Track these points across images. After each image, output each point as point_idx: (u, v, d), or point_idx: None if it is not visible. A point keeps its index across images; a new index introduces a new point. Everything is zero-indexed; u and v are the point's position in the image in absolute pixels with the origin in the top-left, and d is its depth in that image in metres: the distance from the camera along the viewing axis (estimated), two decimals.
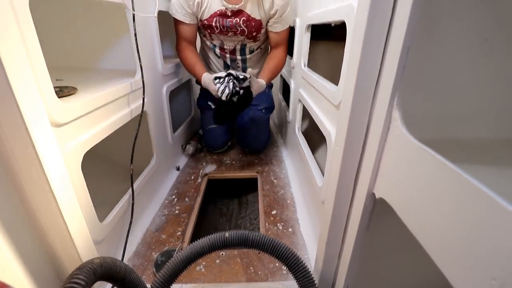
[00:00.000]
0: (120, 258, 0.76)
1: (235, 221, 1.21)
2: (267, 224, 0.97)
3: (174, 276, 0.54)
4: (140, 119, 0.83)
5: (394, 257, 0.58)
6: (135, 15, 0.78)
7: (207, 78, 1.11)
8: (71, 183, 0.55)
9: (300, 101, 1.16)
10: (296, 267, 0.56)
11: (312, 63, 1.13)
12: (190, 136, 1.58)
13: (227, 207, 1.30)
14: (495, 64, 0.45)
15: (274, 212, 1.04)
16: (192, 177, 1.27)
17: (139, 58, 0.83)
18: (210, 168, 1.35)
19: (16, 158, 0.46)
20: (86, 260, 0.56)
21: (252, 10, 1.13)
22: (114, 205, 0.79)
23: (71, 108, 0.59)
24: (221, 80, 1.03)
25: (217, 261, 0.82)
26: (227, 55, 1.29)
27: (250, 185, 1.33)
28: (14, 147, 0.45)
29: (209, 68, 1.37)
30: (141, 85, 0.85)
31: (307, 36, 1.06)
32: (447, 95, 0.43)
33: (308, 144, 1.09)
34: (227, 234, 0.56)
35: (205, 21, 1.15)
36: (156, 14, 0.94)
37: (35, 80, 0.47)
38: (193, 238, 0.92)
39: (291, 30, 1.27)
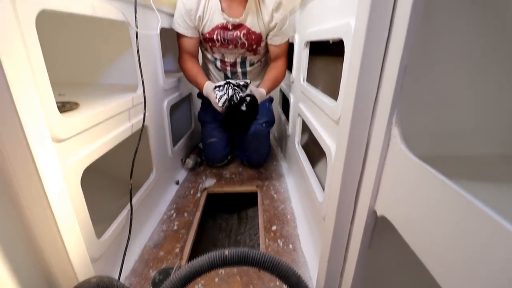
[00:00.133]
0: (117, 276, 0.74)
1: (234, 236, 1.19)
2: (267, 241, 0.96)
3: None
4: (140, 134, 0.84)
5: (397, 275, 0.57)
6: (138, 32, 0.80)
7: (209, 87, 1.14)
8: (70, 199, 0.54)
9: (299, 115, 1.17)
10: (297, 286, 0.54)
11: (311, 78, 1.15)
12: (190, 150, 1.58)
13: (227, 222, 1.28)
14: (492, 81, 0.46)
15: (274, 227, 1.02)
16: (192, 192, 1.26)
17: (141, 74, 0.84)
18: (209, 182, 1.34)
19: (16, 173, 0.46)
20: (82, 278, 0.55)
21: (252, 24, 1.17)
22: (112, 220, 0.78)
23: (73, 123, 0.59)
24: (220, 88, 1.06)
25: (216, 279, 0.80)
26: (228, 68, 1.32)
27: (250, 200, 1.31)
28: (14, 162, 0.45)
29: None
30: (142, 99, 0.86)
31: (306, 52, 1.09)
32: (446, 112, 0.43)
33: (308, 158, 1.09)
34: (226, 252, 0.55)
35: (207, 34, 1.18)
36: (158, 31, 0.96)
37: (38, 96, 0.47)
38: (192, 255, 0.90)
39: (290, 46, 1.30)
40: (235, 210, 1.36)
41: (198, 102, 1.63)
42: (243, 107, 1.04)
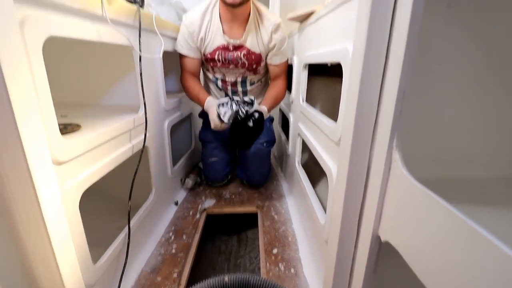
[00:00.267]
0: None
1: (234, 260, 1.16)
2: (268, 265, 0.93)
3: None
4: (141, 155, 0.84)
5: None
6: (142, 56, 0.82)
7: (210, 101, 1.16)
8: (67, 223, 0.53)
9: (299, 135, 1.18)
10: None
11: (310, 98, 1.17)
12: (190, 169, 1.57)
13: (226, 245, 1.25)
14: (492, 104, 0.47)
15: (275, 251, 0.99)
16: (191, 213, 1.24)
17: (143, 96, 0.85)
18: (209, 203, 1.32)
19: (15, 197, 0.45)
20: None
21: (252, 45, 1.21)
22: (109, 243, 0.76)
23: (74, 145, 0.59)
24: (224, 104, 1.07)
25: None
26: (229, 87, 1.35)
27: (250, 221, 1.29)
28: (14, 186, 0.45)
29: None
30: (144, 121, 0.87)
31: (305, 73, 1.11)
32: (446, 135, 0.43)
33: (309, 177, 1.08)
34: (226, 278, 0.53)
35: (208, 55, 1.23)
36: (161, 55, 0.99)
37: (41, 119, 0.48)
38: (190, 281, 0.87)
39: (289, 67, 1.33)
40: (235, 232, 1.33)
41: (198, 122, 1.64)
42: (250, 123, 1.04)
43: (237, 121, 1.05)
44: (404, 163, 0.36)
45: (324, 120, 0.80)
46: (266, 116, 1.20)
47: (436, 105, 0.42)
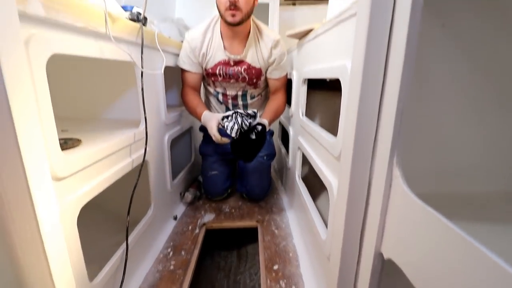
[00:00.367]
0: None
1: (234, 276, 1.13)
2: (268, 281, 0.91)
3: None
4: (140, 169, 0.83)
5: None
6: (143, 72, 0.84)
7: (207, 115, 1.16)
8: (64, 239, 0.52)
9: (299, 148, 1.18)
10: None
11: (309, 111, 1.18)
12: (189, 183, 1.56)
13: (225, 261, 1.22)
14: (488, 120, 0.47)
15: (276, 267, 0.97)
16: (190, 227, 1.22)
17: (144, 111, 0.86)
18: (208, 217, 1.31)
19: (12, 214, 0.45)
20: None
21: (252, 60, 1.25)
22: (107, 259, 0.74)
23: (74, 161, 0.59)
24: (229, 118, 1.07)
25: None
26: (229, 101, 1.37)
27: (250, 235, 1.27)
28: (12, 203, 0.44)
29: None
30: (144, 135, 0.87)
31: (304, 88, 1.13)
32: (445, 151, 0.44)
33: (309, 190, 1.07)
34: None
35: (210, 70, 1.26)
36: (162, 71, 1.01)
37: (43, 135, 0.48)
38: None
39: (289, 81, 1.35)
40: (235, 247, 1.30)
41: (198, 135, 1.65)
42: (253, 136, 1.05)
43: (240, 134, 1.05)
44: (405, 179, 0.36)
45: (324, 135, 0.80)
46: (267, 129, 1.21)
47: (434, 121, 0.43)
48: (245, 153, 1.10)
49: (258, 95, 1.39)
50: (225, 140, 1.10)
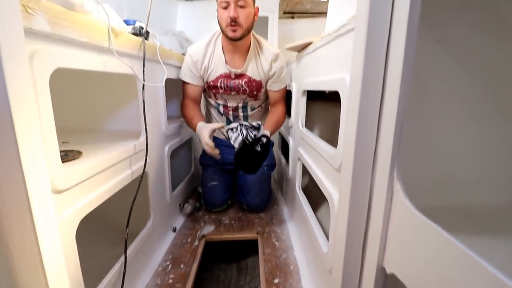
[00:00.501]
0: None
1: None
2: None
3: None
4: (140, 181, 0.83)
5: None
6: (145, 84, 0.85)
7: (202, 125, 1.17)
8: (63, 254, 0.52)
9: (299, 159, 1.18)
10: None
11: (309, 122, 1.19)
12: (189, 194, 1.55)
13: (225, 274, 1.20)
14: (486, 132, 0.47)
15: (276, 280, 0.95)
16: (189, 240, 1.20)
17: (145, 122, 0.86)
18: (208, 229, 1.29)
19: (12, 228, 0.44)
20: None
21: (252, 73, 1.28)
22: (104, 271, 0.73)
23: (74, 173, 0.59)
24: (234, 130, 1.09)
25: None
26: (230, 112, 1.39)
27: (250, 247, 1.25)
28: (12, 217, 0.44)
29: None
30: (144, 146, 0.87)
31: (304, 99, 1.14)
32: (445, 163, 0.44)
33: (310, 200, 1.07)
34: None
35: (211, 82, 1.29)
36: (163, 83, 1.02)
37: (44, 149, 0.48)
38: None
39: (288, 93, 1.37)
40: (235, 259, 1.28)
41: (198, 146, 1.65)
42: (258, 148, 1.05)
43: (245, 146, 1.05)
44: (405, 193, 0.36)
45: (323, 146, 0.80)
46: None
47: (434, 134, 0.43)
48: (250, 165, 1.10)
49: (259, 106, 1.42)
50: (216, 151, 1.10)
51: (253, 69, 1.28)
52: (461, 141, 0.45)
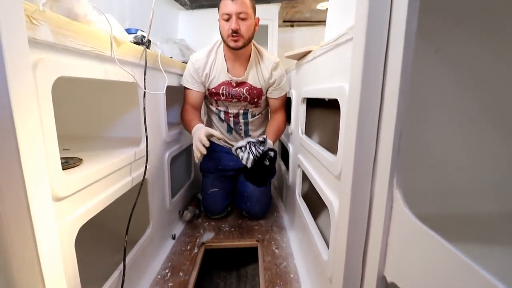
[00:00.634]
0: None
1: None
2: None
3: None
4: (140, 188, 0.83)
5: None
6: (146, 92, 0.85)
7: (199, 126, 1.18)
8: (62, 261, 0.51)
9: (299, 166, 1.18)
10: None
11: (309, 128, 1.19)
12: (189, 201, 1.55)
13: (225, 282, 1.19)
14: (485, 141, 0.48)
15: None
16: (188, 247, 1.19)
17: (146, 129, 0.87)
18: (207, 236, 1.28)
19: (12, 236, 0.44)
20: None
21: (253, 81, 1.31)
22: (103, 279, 0.72)
23: (74, 181, 0.59)
24: (243, 148, 1.11)
25: None
26: (231, 119, 1.41)
27: (250, 255, 1.24)
28: (12, 224, 0.44)
29: None
30: (145, 153, 0.88)
31: (303, 107, 1.15)
32: (445, 171, 0.44)
33: (310, 207, 1.06)
34: None
35: (213, 89, 1.31)
36: (164, 91, 1.03)
37: (45, 156, 0.48)
38: None
39: (288, 100, 1.39)
40: (234, 267, 1.27)
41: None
42: (267, 162, 1.09)
43: (254, 161, 1.08)
44: (405, 202, 0.36)
45: (323, 153, 0.81)
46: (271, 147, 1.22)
47: (433, 143, 0.44)
48: (260, 179, 1.14)
49: (259, 113, 1.44)
50: (203, 150, 1.09)
51: (254, 77, 1.31)
52: (460, 150, 0.46)
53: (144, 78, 0.85)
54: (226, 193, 1.45)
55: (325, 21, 1.05)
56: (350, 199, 0.44)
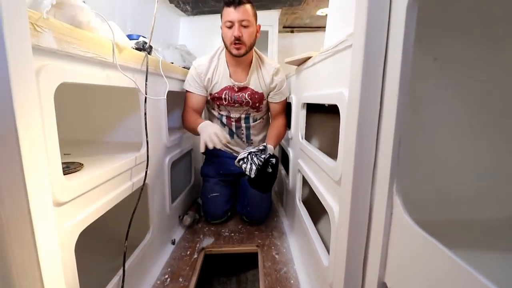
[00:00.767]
0: None
1: None
2: None
3: None
4: (140, 193, 0.83)
5: None
6: (147, 98, 0.86)
7: (209, 122, 1.21)
8: (62, 267, 0.51)
9: (299, 171, 1.18)
10: None
11: (309, 133, 1.20)
12: (189, 205, 1.55)
13: (225, 287, 1.18)
14: (484, 147, 0.48)
15: None
16: (188, 252, 1.19)
17: (146, 134, 0.87)
18: (207, 241, 1.28)
19: (12, 241, 0.44)
20: None
21: (255, 86, 1.34)
22: (102, 285, 0.72)
23: (75, 186, 0.59)
24: (245, 159, 1.13)
25: None
26: (233, 123, 1.43)
27: (250, 260, 1.23)
28: (12, 229, 0.44)
29: None
30: (145, 158, 0.88)
31: (303, 112, 1.15)
32: (445, 178, 0.44)
33: (310, 212, 1.06)
34: None
35: (216, 94, 1.34)
36: (165, 96, 1.04)
37: (46, 160, 0.49)
38: None
39: (288, 105, 1.40)
40: (234, 273, 1.26)
41: (199, 157, 1.66)
42: (269, 169, 1.11)
43: (258, 171, 1.12)
44: (405, 208, 0.36)
45: (323, 159, 0.81)
46: (271, 153, 1.23)
47: (433, 149, 0.44)
48: (264, 186, 1.18)
49: (260, 118, 1.46)
50: (218, 144, 1.10)
51: (255, 82, 1.33)
52: (459, 156, 0.46)
53: (146, 84, 0.85)
54: (227, 198, 1.45)
55: (324, 27, 1.06)
56: (350, 205, 0.44)
